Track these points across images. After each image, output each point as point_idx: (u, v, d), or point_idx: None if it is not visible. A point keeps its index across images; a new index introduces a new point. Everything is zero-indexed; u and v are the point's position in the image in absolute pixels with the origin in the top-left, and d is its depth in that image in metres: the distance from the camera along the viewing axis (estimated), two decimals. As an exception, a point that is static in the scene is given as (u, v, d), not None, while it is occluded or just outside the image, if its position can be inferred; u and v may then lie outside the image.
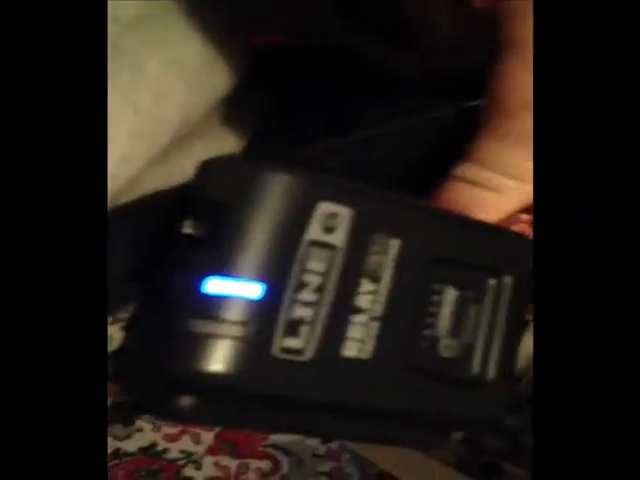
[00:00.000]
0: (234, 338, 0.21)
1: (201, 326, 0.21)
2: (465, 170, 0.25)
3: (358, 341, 0.22)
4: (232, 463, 1.01)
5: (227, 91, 0.28)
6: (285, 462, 1.00)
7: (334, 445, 1.00)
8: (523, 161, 0.25)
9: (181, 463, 1.01)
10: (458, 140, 0.26)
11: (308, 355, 0.21)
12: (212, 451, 1.02)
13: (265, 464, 1.00)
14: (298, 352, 0.21)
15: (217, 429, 1.02)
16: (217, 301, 0.21)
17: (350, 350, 0.22)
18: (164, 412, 0.22)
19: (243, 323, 0.21)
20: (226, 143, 0.30)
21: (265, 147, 0.31)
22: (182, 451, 1.02)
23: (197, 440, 1.02)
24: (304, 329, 0.21)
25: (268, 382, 0.21)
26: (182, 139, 0.28)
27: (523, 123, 0.24)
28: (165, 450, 1.03)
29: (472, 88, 0.25)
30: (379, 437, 0.25)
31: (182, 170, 0.23)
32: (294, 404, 0.22)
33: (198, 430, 1.03)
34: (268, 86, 0.32)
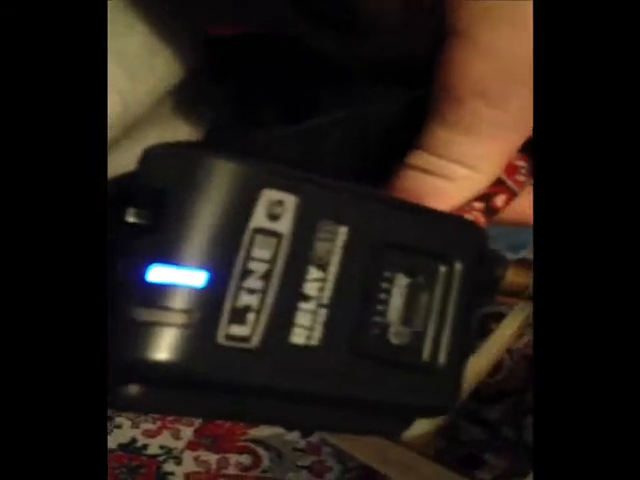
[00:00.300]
0: (179, 326, 0.21)
1: (145, 314, 0.21)
2: (417, 158, 0.25)
3: (305, 328, 0.22)
4: (212, 458, 1.01)
5: (175, 81, 0.28)
6: (265, 456, 1.00)
7: (314, 439, 1.01)
8: (473, 149, 0.25)
9: (161, 459, 1.01)
10: (410, 129, 0.26)
11: (254, 342, 0.21)
12: (192, 446, 1.02)
13: (245, 458, 1.00)
14: (244, 339, 0.21)
15: (197, 424, 1.03)
16: (161, 289, 0.21)
17: (298, 337, 0.22)
18: (112, 401, 0.22)
19: (187, 311, 0.21)
20: (181, 132, 0.30)
21: (219, 136, 0.31)
22: (162, 447, 1.02)
23: (177, 435, 1.02)
24: (250, 316, 0.21)
25: (214, 369, 0.21)
26: (132, 129, 0.28)
27: (472, 110, 0.24)
28: (145, 446, 1.03)
29: (423, 77, 0.25)
30: (329, 424, 0.25)
31: (134, 160, 0.23)
32: (241, 391, 0.22)
33: (178, 425, 1.03)
34: (225, 76, 0.32)
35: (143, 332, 0.21)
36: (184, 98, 0.30)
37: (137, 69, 0.27)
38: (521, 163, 0.27)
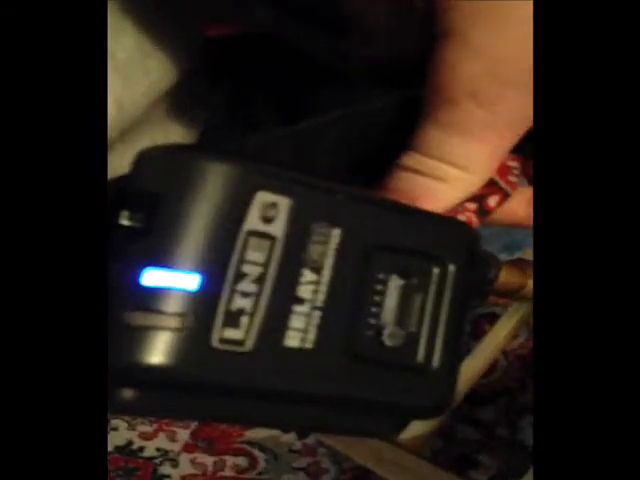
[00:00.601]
0: (173, 330, 0.21)
1: (139, 318, 0.21)
2: (409, 159, 0.25)
3: (300, 331, 0.22)
4: (208, 460, 1.01)
5: (169, 83, 0.28)
6: (261, 458, 1.00)
7: (310, 441, 1.01)
8: (466, 150, 0.25)
9: (157, 461, 1.01)
10: (404, 129, 0.26)
11: (248, 346, 0.21)
12: (188, 448, 1.01)
13: (241, 460, 1.00)
14: (238, 343, 0.21)
15: (193, 427, 1.02)
16: (155, 293, 0.21)
17: (292, 340, 0.22)
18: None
19: (181, 315, 0.21)
20: (175, 134, 0.30)
21: (213, 137, 0.31)
22: (158, 449, 1.02)
23: (173, 438, 1.02)
24: (244, 320, 0.21)
25: (208, 373, 0.21)
26: (127, 131, 0.28)
27: (463, 111, 0.24)
28: (141, 448, 1.02)
29: (416, 78, 0.25)
30: (324, 425, 0.25)
31: (129, 162, 0.23)
32: (236, 394, 0.22)
33: (174, 428, 1.03)
34: (221, 76, 0.32)
35: (137, 336, 0.21)
36: (179, 100, 0.30)
37: (130, 72, 0.27)
38: (513, 164, 0.27)
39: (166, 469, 1.01)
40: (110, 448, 1.02)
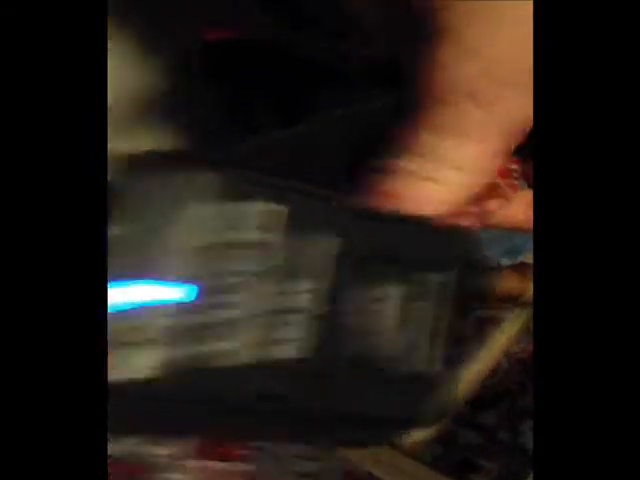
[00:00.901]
0: (161, 344, 0.20)
1: (127, 331, 0.20)
2: (405, 161, 0.25)
3: (297, 341, 0.22)
4: (214, 466, 1.00)
5: (165, 87, 0.28)
6: (267, 463, 1.00)
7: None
8: (461, 150, 0.24)
9: (163, 467, 1.01)
10: (398, 131, 0.25)
11: (244, 357, 0.21)
12: (195, 455, 1.01)
13: (245, 465, 1.00)
14: (232, 355, 0.21)
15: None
16: (144, 305, 0.20)
17: (289, 350, 0.22)
18: None
19: (170, 328, 0.20)
20: (171, 138, 0.30)
21: (211, 140, 0.31)
22: (164, 455, 1.02)
23: (179, 444, 1.02)
24: (237, 331, 0.21)
25: (198, 388, 0.21)
26: (122, 133, 0.27)
27: (460, 112, 0.24)
28: (147, 454, 1.02)
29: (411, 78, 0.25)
30: (323, 439, 0.25)
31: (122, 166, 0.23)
32: (229, 408, 0.21)
33: (176, 433, 1.03)
34: (220, 79, 0.32)
35: (125, 350, 0.20)
36: (175, 103, 0.30)
37: (127, 73, 0.27)
38: (514, 166, 0.27)
39: (172, 475, 1.01)
40: (115, 453, 1.01)
